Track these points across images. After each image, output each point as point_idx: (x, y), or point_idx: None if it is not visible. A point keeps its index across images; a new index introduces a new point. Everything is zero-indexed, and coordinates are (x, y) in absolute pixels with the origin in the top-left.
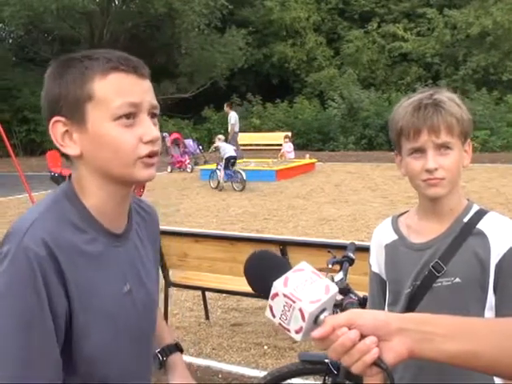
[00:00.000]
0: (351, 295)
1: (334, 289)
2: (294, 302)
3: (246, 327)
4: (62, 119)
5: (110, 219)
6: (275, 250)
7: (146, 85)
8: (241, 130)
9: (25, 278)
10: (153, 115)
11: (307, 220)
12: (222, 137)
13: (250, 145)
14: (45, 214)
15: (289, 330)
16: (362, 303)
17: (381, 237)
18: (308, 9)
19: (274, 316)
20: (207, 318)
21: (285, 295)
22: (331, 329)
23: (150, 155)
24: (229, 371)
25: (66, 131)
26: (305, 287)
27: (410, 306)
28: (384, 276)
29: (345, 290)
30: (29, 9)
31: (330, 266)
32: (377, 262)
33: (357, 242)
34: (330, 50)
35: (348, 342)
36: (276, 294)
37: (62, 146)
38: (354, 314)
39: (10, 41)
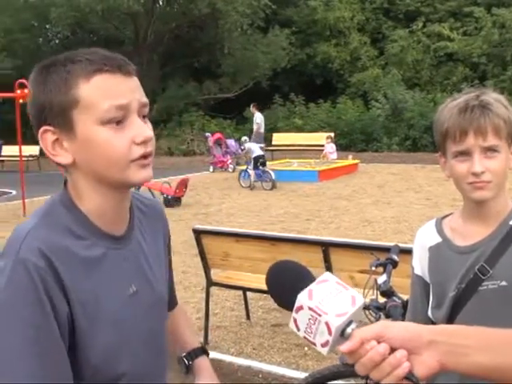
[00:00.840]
0: (395, 298)
1: (361, 300)
2: (319, 315)
3: (286, 328)
4: (51, 128)
5: (108, 222)
6: (317, 251)
7: (133, 83)
8: (283, 130)
9: (27, 292)
10: (144, 115)
11: (349, 221)
12: (246, 138)
13: (293, 145)
14: (39, 223)
15: (314, 344)
16: (406, 306)
17: (424, 239)
18: (352, 8)
19: (298, 329)
20: (248, 317)
21: (310, 308)
22: (359, 343)
23: (144, 156)
24: (269, 371)
25: (56, 140)
26: (330, 299)
27: (455, 310)
28: (427, 279)
29: (388, 293)
30: (75, 10)
31: (372, 268)
32: (420, 264)
33: (400, 245)
34: (374, 49)
35: (377, 357)
36: (300, 307)
37: (54, 155)
38: (382, 326)
39: (57, 41)
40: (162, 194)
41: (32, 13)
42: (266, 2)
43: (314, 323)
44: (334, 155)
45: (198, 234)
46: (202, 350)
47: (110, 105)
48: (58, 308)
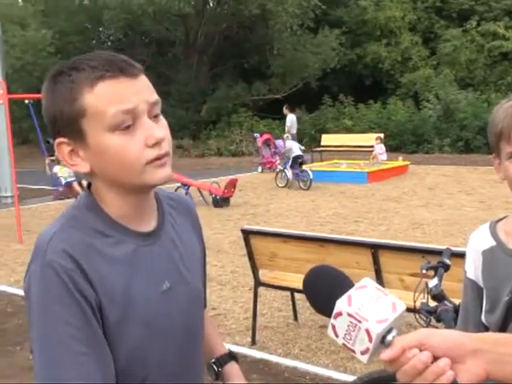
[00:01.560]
0: (446, 302)
1: (402, 306)
2: (359, 321)
3: None
4: (65, 140)
5: (135, 221)
6: (366, 253)
7: (139, 84)
8: (332, 131)
9: (61, 293)
10: (155, 114)
11: (399, 223)
12: (288, 135)
13: (341, 146)
14: (64, 225)
15: (354, 351)
16: (457, 311)
17: (478, 242)
18: (403, 8)
19: (337, 336)
20: (296, 318)
21: (349, 315)
22: (401, 350)
23: (159, 158)
24: (316, 373)
25: (72, 150)
26: (370, 305)
27: (509, 314)
28: (481, 283)
29: (439, 297)
30: (127, 12)
31: (423, 272)
32: (473, 268)
33: (452, 248)
34: (426, 49)
35: (420, 365)
36: (339, 314)
37: (72, 165)
38: (424, 334)
39: (109, 43)
40: (211, 194)
41: (86, 15)
42: (316, 2)
43: (354, 330)
44: (384, 156)
45: (247, 234)
46: (231, 356)
47: (116, 111)
48: (91, 306)
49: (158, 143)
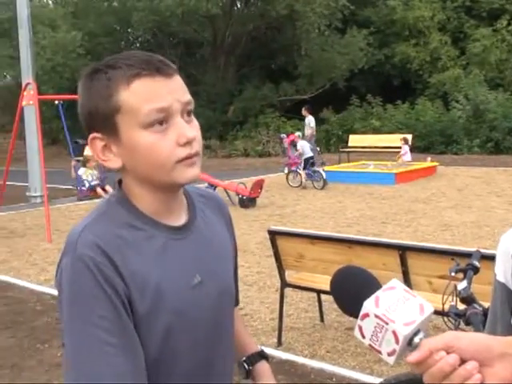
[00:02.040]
0: (475, 305)
1: (429, 309)
2: (386, 323)
3: None
4: (99, 135)
5: (165, 216)
6: (394, 254)
7: (174, 83)
8: (360, 132)
9: (92, 286)
10: (188, 113)
11: (427, 225)
12: (299, 133)
13: (369, 147)
14: (94, 219)
15: (380, 353)
16: (487, 314)
17: (508, 245)
18: (432, 7)
19: (363, 337)
20: (322, 320)
21: (376, 316)
22: (428, 352)
23: (189, 157)
24: (343, 375)
25: (105, 146)
26: (398, 307)
27: None
28: (510, 286)
29: (468, 300)
30: (156, 13)
31: (452, 274)
32: (503, 270)
33: (482, 250)
34: (455, 49)
35: (447, 367)
36: (366, 315)
37: (104, 160)
38: (452, 337)
39: (138, 45)
40: (238, 194)
41: (115, 17)
42: (344, 2)
43: (381, 331)
44: (407, 157)
45: (273, 235)
46: (262, 355)
47: (150, 108)
48: (121, 298)
49: (189, 142)
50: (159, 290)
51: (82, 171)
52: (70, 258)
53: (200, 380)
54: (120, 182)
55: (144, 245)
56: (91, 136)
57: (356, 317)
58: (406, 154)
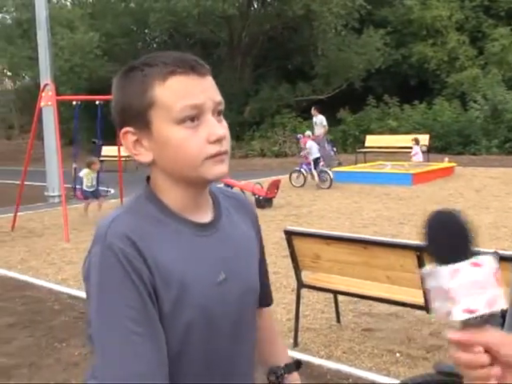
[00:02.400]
0: None
1: (500, 305)
2: (449, 298)
3: (377, 333)
4: (131, 129)
5: (192, 213)
6: (411, 256)
7: (207, 83)
8: (377, 132)
9: (120, 275)
10: (218, 112)
11: None
12: (309, 133)
13: (386, 147)
14: (124, 212)
15: (429, 302)
16: (505, 316)
17: None
18: (450, 7)
19: (426, 285)
20: (338, 321)
21: (444, 287)
22: (470, 341)
23: (218, 154)
24: (359, 376)
25: (137, 140)
26: (470, 289)
27: None
28: None
29: None
30: (173, 14)
31: None
32: None
33: (499, 251)
34: (474, 49)
35: (475, 365)
36: (437, 284)
37: (136, 154)
38: (500, 342)
39: (155, 45)
40: (254, 194)
41: (132, 18)
42: (360, 2)
43: (442, 301)
44: (418, 157)
45: (290, 235)
46: (296, 366)
47: (184, 105)
48: (148, 290)
49: (219, 140)
50: (185, 284)
51: (83, 172)
52: (100, 247)
53: (221, 378)
54: (148, 178)
55: (171, 240)
56: (123, 130)
57: (440, 264)
58: (417, 155)
